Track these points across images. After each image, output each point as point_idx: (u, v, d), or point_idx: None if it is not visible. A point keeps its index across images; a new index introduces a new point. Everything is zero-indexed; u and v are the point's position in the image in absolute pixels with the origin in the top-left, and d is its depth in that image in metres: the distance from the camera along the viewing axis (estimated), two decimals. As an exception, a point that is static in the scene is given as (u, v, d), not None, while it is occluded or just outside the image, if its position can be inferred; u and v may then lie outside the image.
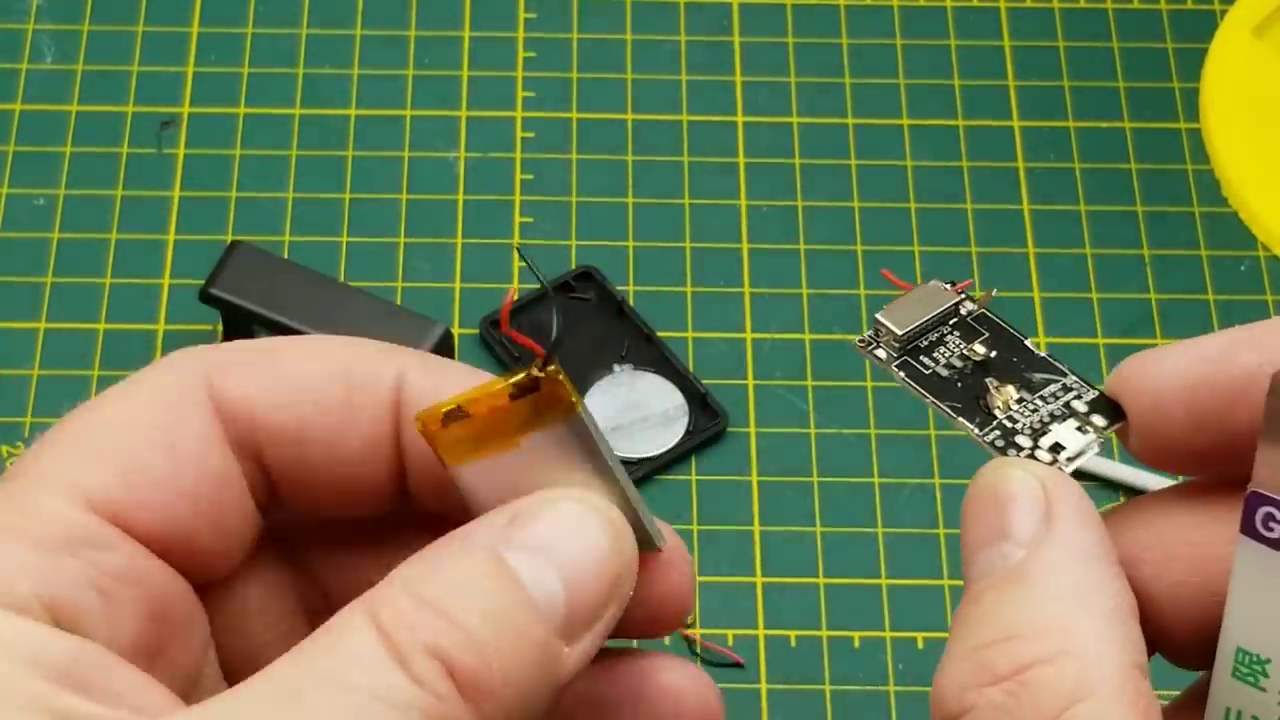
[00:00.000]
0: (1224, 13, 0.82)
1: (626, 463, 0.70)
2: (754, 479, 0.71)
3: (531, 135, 0.79)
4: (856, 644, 0.67)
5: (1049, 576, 0.35)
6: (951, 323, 0.53)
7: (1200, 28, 0.82)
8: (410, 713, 0.33)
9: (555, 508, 0.35)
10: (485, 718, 0.34)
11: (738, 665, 0.67)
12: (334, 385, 0.37)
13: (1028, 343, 0.54)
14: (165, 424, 0.37)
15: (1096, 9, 0.83)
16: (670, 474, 0.71)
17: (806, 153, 0.78)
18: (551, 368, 0.35)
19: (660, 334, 0.73)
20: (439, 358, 0.38)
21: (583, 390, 0.72)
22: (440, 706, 0.33)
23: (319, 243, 0.75)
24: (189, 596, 0.37)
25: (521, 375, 0.35)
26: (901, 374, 0.52)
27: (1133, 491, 0.70)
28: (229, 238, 0.75)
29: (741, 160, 0.78)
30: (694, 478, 0.71)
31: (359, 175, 0.77)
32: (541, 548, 0.35)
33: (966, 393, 0.51)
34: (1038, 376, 0.52)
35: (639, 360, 0.73)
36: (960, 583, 0.69)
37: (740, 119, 0.79)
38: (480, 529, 0.35)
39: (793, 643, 0.67)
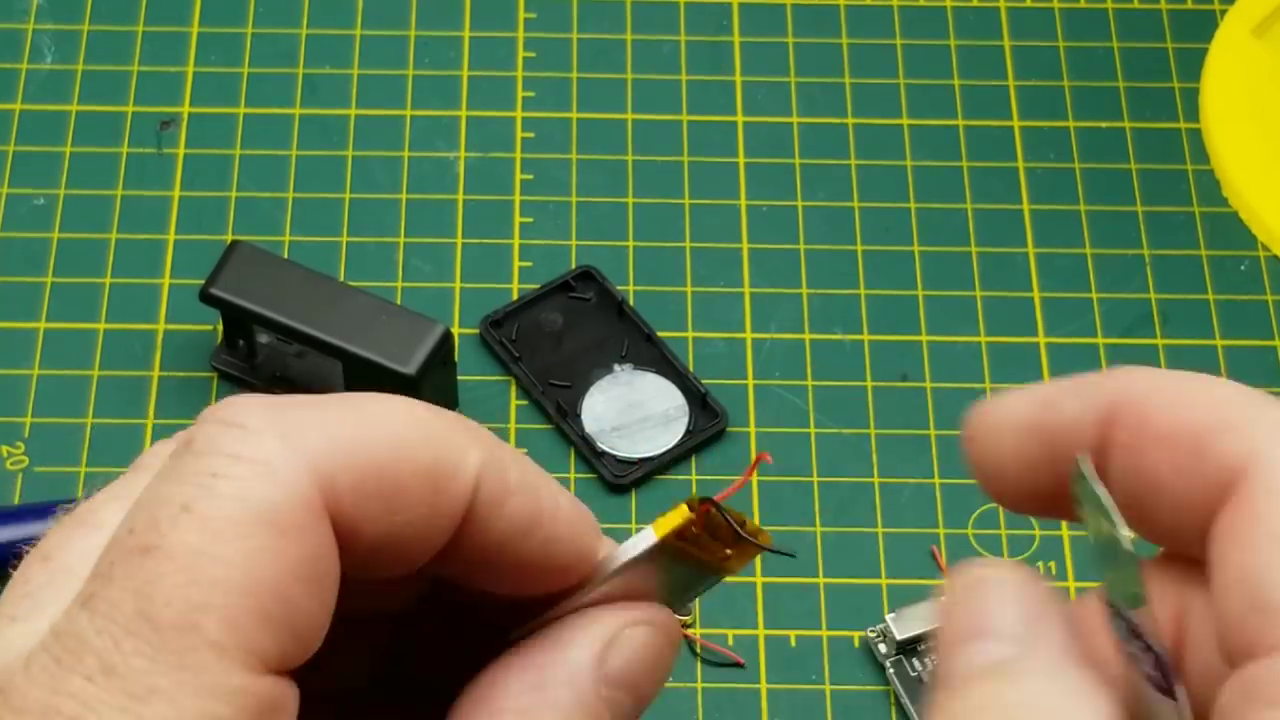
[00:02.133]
0: (1224, 13, 0.82)
1: (627, 463, 0.70)
2: (754, 479, 0.70)
3: (531, 135, 0.79)
4: (856, 644, 0.67)
5: (1041, 674, 0.36)
6: None
7: (1200, 28, 0.82)
8: None
9: (643, 641, 0.38)
10: None
11: (738, 665, 0.67)
12: (425, 493, 0.36)
13: None
14: (308, 556, 0.35)
15: (1096, 9, 0.83)
16: (670, 474, 0.71)
17: (806, 153, 0.78)
18: (767, 534, 0.38)
19: (660, 334, 0.73)
20: (510, 451, 0.38)
21: (583, 390, 0.72)
22: None
23: (319, 243, 0.75)
24: (298, 699, 0.37)
25: (753, 530, 0.38)
26: (891, 670, 0.65)
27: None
28: (229, 238, 0.75)
29: (741, 160, 0.78)
30: (694, 478, 0.71)
31: (359, 175, 0.77)
32: (629, 683, 0.38)
33: None
34: None
35: (639, 360, 0.73)
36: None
37: (740, 119, 0.79)
38: (583, 658, 0.38)
39: (792, 643, 0.67)
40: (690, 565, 0.38)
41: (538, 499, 0.37)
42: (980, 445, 0.39)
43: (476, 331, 0.73)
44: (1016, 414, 0.39)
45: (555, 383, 0.72)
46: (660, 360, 0.72)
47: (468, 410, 0.71)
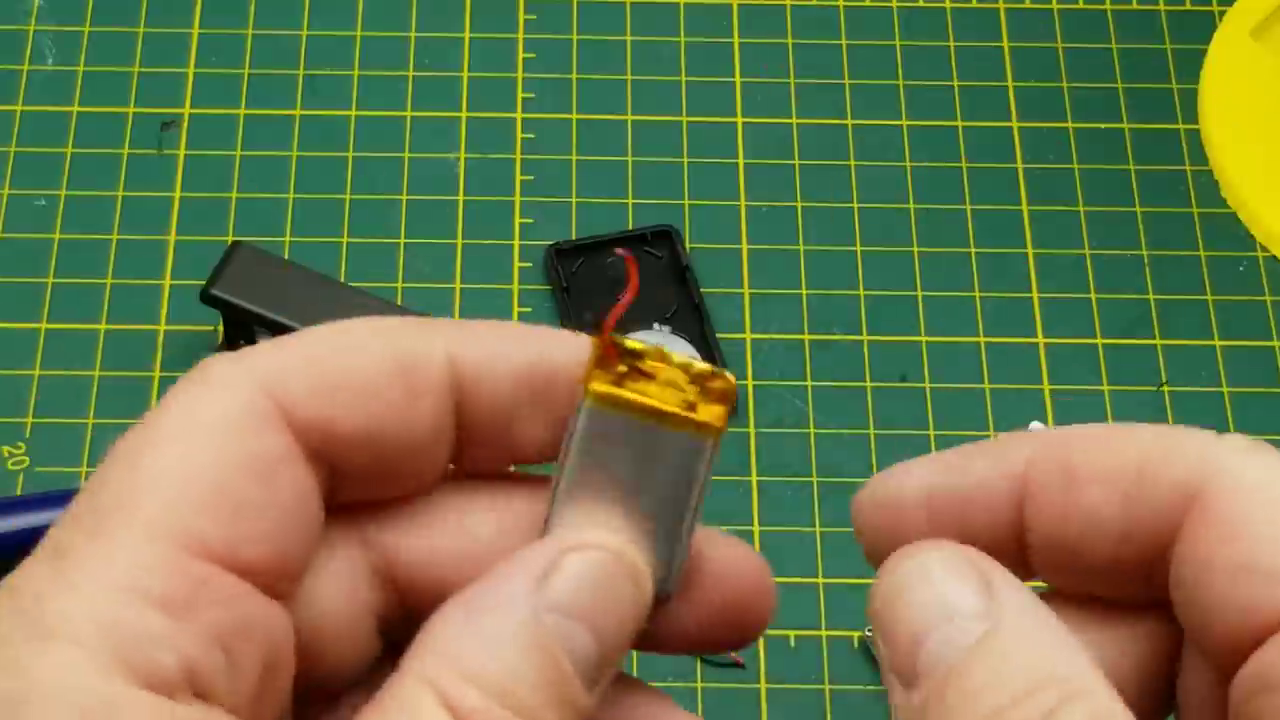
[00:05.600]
0: (1222, 14, 0.82)
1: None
2: (754, 479, 0.71)
3: (531, 136, 0.79)
4: (855, 644, 0.67)
5: (1022, 634, 0.36)
6: None
7: (1198, 29, 0.82)
8: None
9: (587, 565, 0.37)
10: None
11: (738, 665, 0.67)
12: (395, 378, 0.37)
13: None
14: (252, 451, 0.36)
15: (1095, 10, 0.83)
16: (670, 474, 0.71)
17: (806, 153, 0.78)
18: (730, 374, 0.37)
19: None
20: (478, 323, 0.39)
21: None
22: None
23: (319, 243, 0.75)
24: (289, 628, 0.37)
25: (706, 367, 0.37)
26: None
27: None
28: (230, 238, 0.75)
29: (741, 160, 0.78)
30: (694, 478, 0.71)
31: (359, 176, 0.77)
32: (576, 611, 0.36)
33: None
34: None
35: (679, 326, 0.73)
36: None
37: (740, 119, 0.79)
38: (517, 585, 0.36)
39: (792, 643, 0.67)
40: (652, 434, 0.37)
41: (525, 362, 0.38)
42: (877, 518, 0.40)
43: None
44: (919, 481, 0.39)
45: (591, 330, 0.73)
46: (697, 334, 0.73)
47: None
